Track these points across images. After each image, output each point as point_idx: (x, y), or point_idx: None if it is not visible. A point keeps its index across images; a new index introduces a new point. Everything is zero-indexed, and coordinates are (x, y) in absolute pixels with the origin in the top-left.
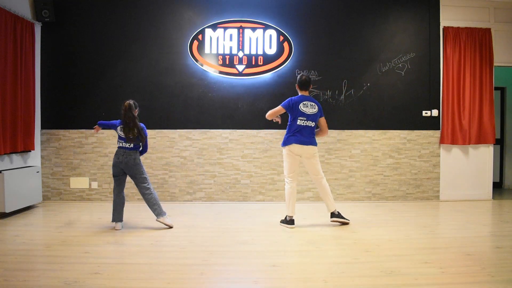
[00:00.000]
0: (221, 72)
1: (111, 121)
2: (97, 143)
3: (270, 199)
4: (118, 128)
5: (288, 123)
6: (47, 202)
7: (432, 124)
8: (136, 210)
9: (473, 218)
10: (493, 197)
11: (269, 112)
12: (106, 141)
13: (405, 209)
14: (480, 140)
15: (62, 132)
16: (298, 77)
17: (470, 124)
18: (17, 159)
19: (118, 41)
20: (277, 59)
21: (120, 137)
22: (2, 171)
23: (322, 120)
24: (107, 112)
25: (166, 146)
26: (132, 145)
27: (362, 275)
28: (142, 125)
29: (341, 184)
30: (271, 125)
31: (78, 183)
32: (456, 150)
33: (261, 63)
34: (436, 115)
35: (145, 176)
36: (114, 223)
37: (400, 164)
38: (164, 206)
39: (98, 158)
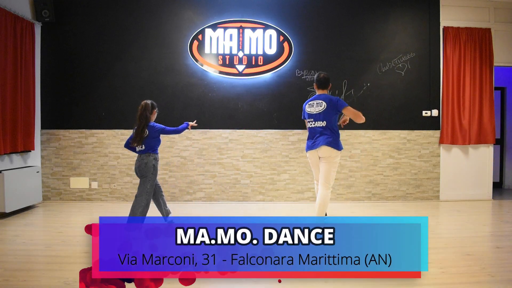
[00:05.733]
0: (221, 72)
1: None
2: (97, 143)
3: (270, 199)
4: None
5: None
6: (47, 202)
7: (432, 124)
8: None
9: (473, 218)
10: (493, 197)
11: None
12: (106, 141)
13: (405, 209)
14: (480, 140)
15: (62, 132)
16: (315, 75)
17: (470, 124)
18: (17, 159)
19: (118, 41)
20: (277, 59)
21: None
22: (2, 171)
23: (346, 110)
24: (107, 112)
25: (166, 146)
26: (143, 147)
27: None
28: (152, 124)
29: (341, 184)
30: (271, 125)
31: (78, 183)
32: (456, 150)
33: (261, 63)
34: (436, 115)
35: (145, 186)
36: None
37: (400, 164)
38: None
39: (98, 158)
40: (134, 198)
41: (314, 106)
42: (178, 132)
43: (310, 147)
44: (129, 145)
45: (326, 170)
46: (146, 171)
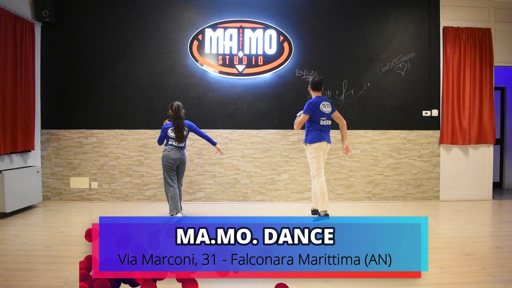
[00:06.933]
0: (221, 72)
1: (162, 128)
2: (97, 143)
3: (270, 199)
4: (169, 130)
5: (308, 123)
6: (47, 202)
7: (432, 124)
8: (135, 209)
9: (473, 218)
10: (493, 197)
11: (296, 122)
12: (106, 141)
13: (405, 209)
14: (480, 140)
15: (62, 132)
16: (310, 79)
17: (470, 124)
18: (17, 159)
19: (118, 41)
20: (277, 59)
21: (171, 138)
22: (2, 171)
23: (337, 114)
24: (107, 112)
25: None
26: (183, 144)
27: None
28: (188, 122)
29: (341, 184)
30: (271, 125)
31: (78, 183)
32: (456, 150)
33: (261, 63)
34: (436, 115)
35: (184, 172)
36: (173, 214)
37: (400, 164)
38: (164, 206)
39: (98, 158)
40: (179, 184)
41: (326, 107)
42: (206, 137)
43: (324, 138)
44: (163, 140)
45: (324, 160)
46: (185, 161)
